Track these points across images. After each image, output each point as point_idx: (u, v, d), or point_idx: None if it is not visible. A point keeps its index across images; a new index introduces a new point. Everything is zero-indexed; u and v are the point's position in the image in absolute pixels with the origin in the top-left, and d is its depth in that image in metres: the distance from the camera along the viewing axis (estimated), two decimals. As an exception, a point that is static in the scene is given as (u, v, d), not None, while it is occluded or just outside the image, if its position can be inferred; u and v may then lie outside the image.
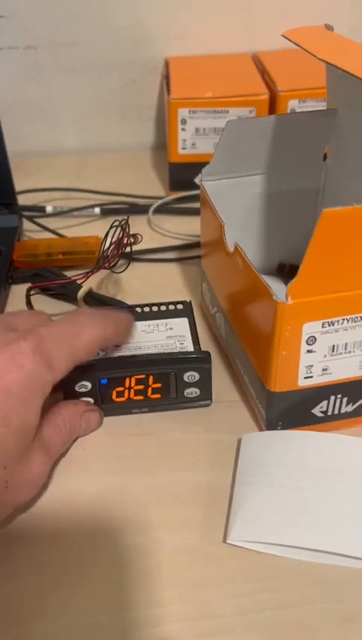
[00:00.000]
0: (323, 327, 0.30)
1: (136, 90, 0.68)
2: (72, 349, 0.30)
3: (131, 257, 0.50)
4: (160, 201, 0.57)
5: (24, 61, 0.66)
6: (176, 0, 0.64)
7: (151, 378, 0.35)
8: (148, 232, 0.56)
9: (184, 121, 0.55)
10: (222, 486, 0.32)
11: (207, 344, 0.42)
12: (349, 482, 0.30)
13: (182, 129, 0.56)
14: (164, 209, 0.58)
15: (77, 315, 0.32)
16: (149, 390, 0.36)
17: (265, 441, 0.33)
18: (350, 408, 0.34)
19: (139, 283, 0.49)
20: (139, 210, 0.57)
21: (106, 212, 0.57)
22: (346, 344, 0.31)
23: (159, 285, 0.49)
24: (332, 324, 0.30)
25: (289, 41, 0.33)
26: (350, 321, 0.30)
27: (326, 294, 0.29)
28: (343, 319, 0.30)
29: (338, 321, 0.30)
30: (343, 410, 0.34)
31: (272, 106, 0.55)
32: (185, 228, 0.54)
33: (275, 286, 0.30)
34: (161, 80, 0.66)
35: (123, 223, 0.41)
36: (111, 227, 0.42)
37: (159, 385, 0.36)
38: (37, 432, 0.29)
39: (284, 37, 0.34)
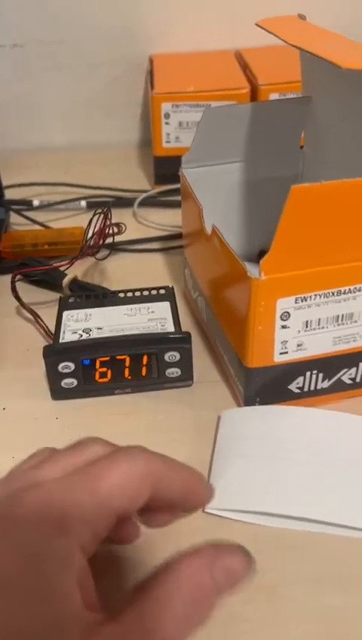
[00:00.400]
0: (296, 302, 0.31)
1: (122, 87, 0.70)
2: (95, 494, 0.21)
3: (116, 247, 0.52)
4: (144, 195, 0.58)
5: (11, 59, 0.67)
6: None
7: (133, 359, 0.36)
8: (134, 224, 0.57)
9: (167, 115, 0.56)
10: (201, 460, 0.33)
11: (189, 328, 0.43)
12: (319, 452, 0.31)
13: (166, 123, 0.57)
14: (149, 202, 0.59)
15: (109, 453, 0.24)
16: (132, 371, 0.37)
17: (242, 416, 0.34)
18: (326, 384, 0.35)
19: (123, 272, 0.50)
20: (125, 203, 0.58)
21: (92, 205, 0.58)
22: (319, 320, 0.32)
23: (143, 274, 0.50)
24: (305, 300, 0.31)
25: (263, 29, 0.34)
26: (322, 296, 0.31)
27: (298, 270, 0.30)
28: (316, 295, 0.31)
29: (310, 296, 0.31)
30: (319, 387, 0.35)
31: (253, 99, 0.56)
32: (169, 220, 0.56)
33: (253, 270, 0.31)
34: (146, 76, 0.67)
35: (105, 210, 0.42)
36: (94, 215, 0.43)
37: (141, 365, 0.37)
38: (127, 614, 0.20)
39: (258, 25, 0.35)
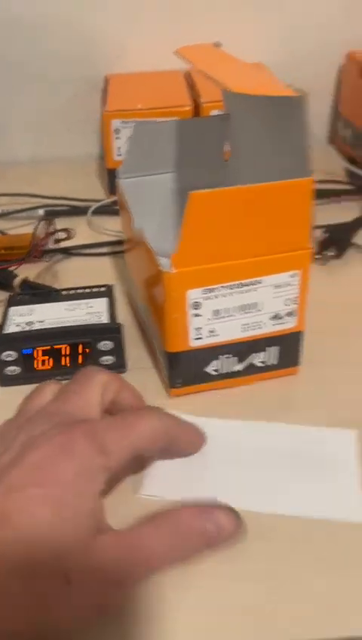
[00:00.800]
0: (204, 293, 0.36)
1: (81, 104, 0.74)
2: (128, 435, 0.29)
3: (69, 252, 0.56)
4: (98, 204, 0.63)
5: (-23, 79, 0.72)
6: (116, 22, 0.70)
7: (70, 348, 0.41)
8: (88, 231, 0.61)
9: (118, 131, 0.61)
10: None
11: (129, 323, 0.47)
12: (238, 450, 0.35)
13: (117, 138, 0.62)
14: (103, 210, 0.63)
15: (135, 410, 0.33)
16: (69, 359, 0.41)
17: None
18: (240, 367, 0.39)
19: (74, 274, 0.54)
20: (80, 211, 0.63)
21: (50, 214, 0.62)
22: (227, 309, 0.36)
23: (93, 276, 0.53)
24: (212, 291, 0.36)
25: (179, 57, 0.39)
26: (227, 288, 0.36)
27: (204, 264, 0.35)
28: (221, 286, 0.36)
29: (217, 288, 0.35)
30: (234, 369, 0.39)
31: (196, 115, 0.61)
32: (120, 227, 0.60)
33: (166, 265, 0.35)
34: (101, 95, 0.72)
35: (49, 217, 0.47)
36: (39, 222, 0.47)
37: (78, 354, 0.41)
38: (129, 531, 0.27)
39: (175, 54, 0.40)
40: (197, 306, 0.36)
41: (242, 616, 0.28)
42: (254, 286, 0.36)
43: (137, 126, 0.42)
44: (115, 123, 0.61)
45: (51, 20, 0.70)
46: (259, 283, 0.36)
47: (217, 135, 0.45)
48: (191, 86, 0.66)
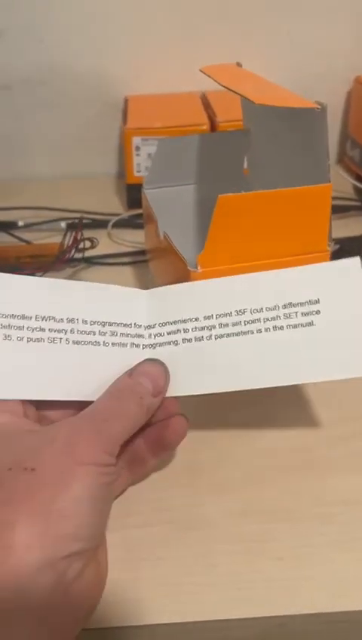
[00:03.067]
0: (229, 292, 0.38)
1: (101, 123, 0.78)
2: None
3: (92, 261, 0.59)
4: (117, 217, 0.66)
5: (1, 100, 0.76)
6: (135, 46, 0.74)
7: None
8: (108, 243, 0.64)
9: (138, 148, 0.64)
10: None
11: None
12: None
13: (137, 154, 0.65)
14: (122, 223, 0.66)
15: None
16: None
17: None
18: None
19: (97, 281, 0.57)
20: (101, 224, 0.66)
21: (71, 226, 0.65)
22: (250, 307, 0.39)
23: (114, 283, 0.56)
24: (237, 291, 0.38)
25: (204, 73, 0.42)
26: (250, 287, 0.38)
27: (228, 264, 0.37)
28: (245, 286, 0.38)
29: (240, 287, 0.38)
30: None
31: (213, 134, 0.64)
32: (138, 238, 0.62)
33: (193, 265, 0.37)
34: (121, 114, 0.75)
35: (79, 221, 0.50)
36: (68, 228, 0.50)
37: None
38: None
39: (201, 71, 0.43)
40: (221, 304, 0.38)
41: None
42: (275, 286, 0.38)
43: (161, 142, 0.45)
44: (136, 140, 0.64)
45: (74, 44, 0.74)
46: (280, 283, 0.38)
47: (237, 149, 0.48)
48: (207, 106, 0.69)
